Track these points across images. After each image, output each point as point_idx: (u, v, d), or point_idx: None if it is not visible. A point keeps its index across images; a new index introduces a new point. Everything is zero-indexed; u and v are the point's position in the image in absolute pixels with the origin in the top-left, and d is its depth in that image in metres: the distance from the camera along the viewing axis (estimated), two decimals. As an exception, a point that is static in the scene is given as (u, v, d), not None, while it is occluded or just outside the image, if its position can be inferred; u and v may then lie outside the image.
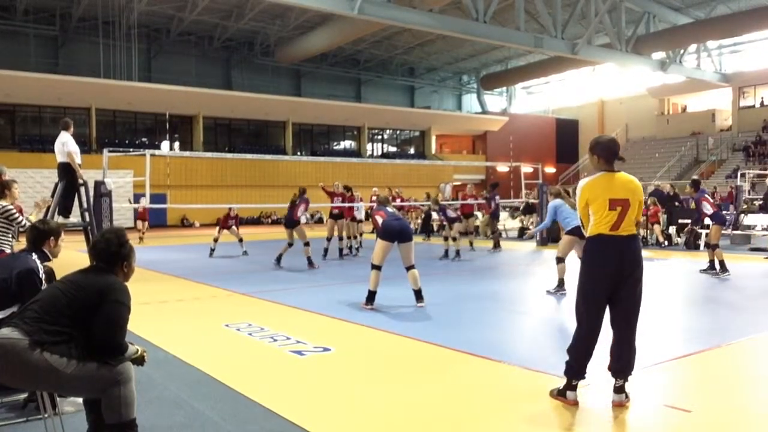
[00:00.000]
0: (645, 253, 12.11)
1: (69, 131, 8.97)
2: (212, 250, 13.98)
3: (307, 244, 11.61)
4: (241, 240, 14.19)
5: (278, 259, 11.83)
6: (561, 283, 8.28)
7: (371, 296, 7.30)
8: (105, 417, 2.85)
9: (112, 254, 3.03)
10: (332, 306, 7.36)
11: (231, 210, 14.28)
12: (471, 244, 14.83)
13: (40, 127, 28.45)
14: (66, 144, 8.89)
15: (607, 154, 3.93)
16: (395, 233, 7.31)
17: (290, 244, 11.78)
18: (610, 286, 3.80)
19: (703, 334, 5.99)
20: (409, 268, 7.36)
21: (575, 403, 3.80)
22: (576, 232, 7.77)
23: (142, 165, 12.00)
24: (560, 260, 8.30)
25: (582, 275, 3.92)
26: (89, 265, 3.09)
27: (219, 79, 34.11)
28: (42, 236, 3.88)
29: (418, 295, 7.33)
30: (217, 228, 14.29)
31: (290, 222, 11.70)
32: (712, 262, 9.90)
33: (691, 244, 14.23)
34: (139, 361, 3.02)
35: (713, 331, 6.04)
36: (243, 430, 3.55)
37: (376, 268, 7.31)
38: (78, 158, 9.04)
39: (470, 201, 15.51)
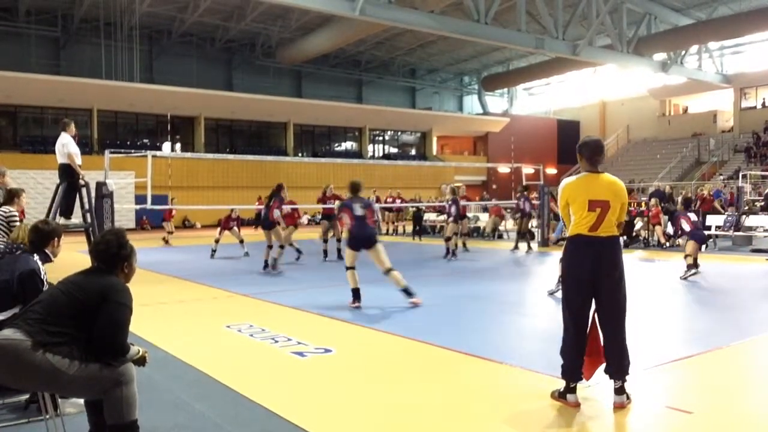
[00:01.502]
0: (645, 254, 11.99)
1: (69, 132, 8.98)
2: (213, 251, 14.00)
3: (281, 247, 11.20)
4: (242, 241, 14.20)
5: (265, 265, 11.27)
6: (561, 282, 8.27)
7: (355, 294, 7.34)
8: (107, 418, 2.86)
9: (112, 256, 3.03)
10: (333, 307, 7.36)
11: (233, 211, 14.30)
12: (464, 244, 14.95)
13: (41, 128, 28.50)
14: (66, 145, 8.89)
15: (590, 154, 3.94)
16: (358, 243, 7.33)
17: (269, 246, 11.32)
18: (589, 286, 3.81)
19: (705, 335, 5.98)
20: (387, 272, 7.31)
21: (576, 405, 3.80)
22: None
23: (143, 166, 12.00)
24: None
25: (563, 276, 3.96)
26: (90, 266, 3.10)
27: (220, 81, 34.15)
28: (45, 237, 3.88)
29: (406, 292, 7.29)
30: (219, 229, 14.31)
31: (266, 224, 11.27)
32: (689, 265, 9.97)
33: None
34: (140, 362, 3.02)
35: (715, 333, 6.04)
36: (244, 431, 3.55)
37: (349, 268, 7.39)
38: (78, 159, 9.03)
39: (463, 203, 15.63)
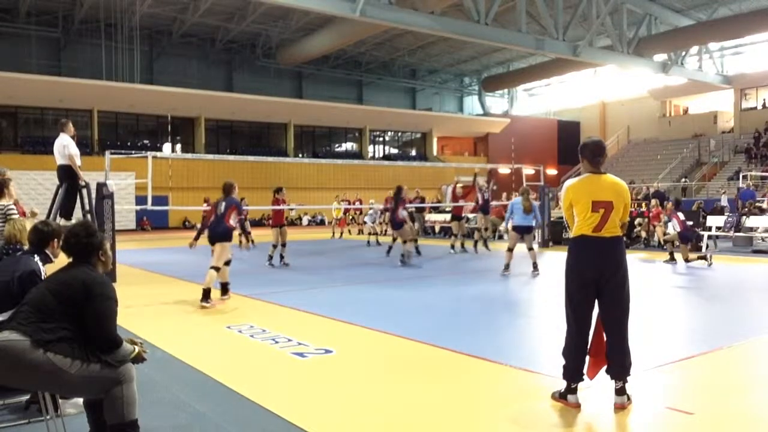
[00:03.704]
0: (645, 254, 12.06)
1: (68, 132, 8.97)
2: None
3: (405, 242, 11.83)
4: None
5: (401, 259, 11.53)
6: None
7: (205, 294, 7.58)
8: (107, 417, 2.86)
9: (83, 246, 3.07)
10: (334, 308, 7.35)
11: (207, 203, 14.17)
12: (462, 245, 15.06)
13: (42, 129, 28.52)
14: (67, 146, 8.88)
15: (591, 155, 3.95)
16: (210, 237, 7.88)
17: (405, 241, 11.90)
18: (592, 286, 3.81)
19: (706, 336, 5.98)
20: (211, 267, 7.76)
21: (577, 406, 3.80)
22: (514, 229, 10.27)
23: (144, 167, 12.01)
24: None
25: (566, 276, 3.95)
26: (68, 262, 3.12)
27: (221, 81, 34.16)
28: (45, 238, 3.88)
29: (205, 293, 7.57)
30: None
31: (394, 224, 11.97)
32: (672, 254, 11.42)
33: (693, 247, 14.25)
34: (137, 359, 3.02)
35: (715, 334, 6.03)
36: (244, 431, 3.55)
37: (213, 268, 7.75)
38: (78, 160, 9.04)
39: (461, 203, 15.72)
